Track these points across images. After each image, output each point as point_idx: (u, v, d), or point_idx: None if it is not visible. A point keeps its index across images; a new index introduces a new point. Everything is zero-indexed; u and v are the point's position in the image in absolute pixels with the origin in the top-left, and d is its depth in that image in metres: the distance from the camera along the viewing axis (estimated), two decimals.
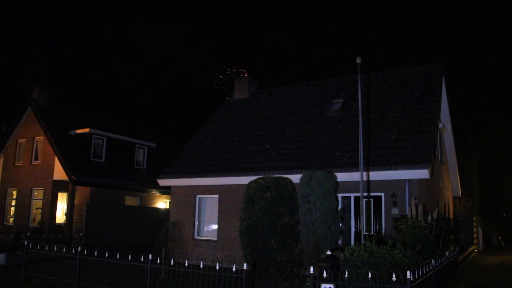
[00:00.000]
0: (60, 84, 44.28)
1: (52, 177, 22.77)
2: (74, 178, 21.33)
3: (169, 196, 21.45)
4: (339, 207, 13.95)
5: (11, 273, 13.03)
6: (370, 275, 7.39)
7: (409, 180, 13.40)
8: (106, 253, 10.88)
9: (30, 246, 12.67)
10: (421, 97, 16.34)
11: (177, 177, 17.89)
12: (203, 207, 17.71)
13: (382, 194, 13.89)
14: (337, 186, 13.32)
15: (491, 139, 34.47)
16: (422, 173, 13.01)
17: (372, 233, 13.53)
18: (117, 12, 59.82)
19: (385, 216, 13.70)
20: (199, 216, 17.67)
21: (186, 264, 9.70)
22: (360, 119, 11.15)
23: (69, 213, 21.72)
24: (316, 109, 18.27)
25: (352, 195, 14.36)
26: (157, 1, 60.65)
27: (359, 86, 11.45)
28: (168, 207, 24.77)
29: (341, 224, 13.31)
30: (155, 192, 26.05)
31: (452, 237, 13.24)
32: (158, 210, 23.32)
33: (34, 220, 23.34)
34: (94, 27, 57.59)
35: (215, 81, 45.94)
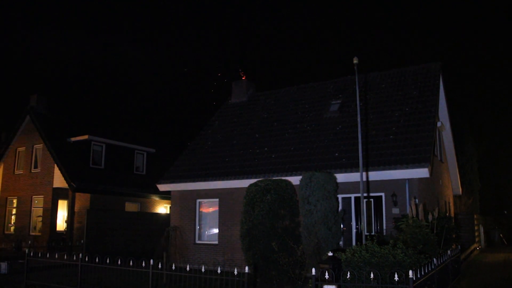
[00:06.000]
0: (58, 92, 44.29)
1: (52, 184, 22.76)
2: (74, 185, 21.32)
3: (169, 201, 21.44)
4: (340, 208, 13.94)
5: (13, 281, 12.99)
6: (372, 275, 7.38)
7: (409, 179, 13.40)
8: (107, 260, 10.86)
9: (31, 254, 12.64)
10: (419, 96, 16.36)
11: (176, 182, 17.87)
12: (203, 211, 17.70)
13: (383, 194, 13.89)
14: (337, 187, 13.30)
15: (490, 136, 34.44)
16: (422, 172, 13.01)
17: (373, 233, 13.51)
18: (115, 14, 59.94)
19: (385, 216, 13.69)
20: (199, 221, 17.65)
21: (188, 269, 9.69)
22: (359, 119, 11.16)
23: (69, 220, 21.70)
24: (314, 111, 18.28)
25: (352, 195, 14.35)
26: (153, 2, 60.74)
27: (357, 86, 11.47)
28: (168, 212, 24.75)
29: (342, 225, 13.29)
30: (155, 197, 26.03)
31: (454, 236, 13.22)
32: (158, 215, 23.30)
33: (35, 228, 23.32)
34: (92, 33, 57.69)
35: (212, 87, 46.04)
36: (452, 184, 21.84)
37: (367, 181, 13.76)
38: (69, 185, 21.56)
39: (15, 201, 24.70)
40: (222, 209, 16.81)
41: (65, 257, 12.24)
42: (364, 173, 13.33)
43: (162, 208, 26.89)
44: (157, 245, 18.58)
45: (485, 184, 32.11)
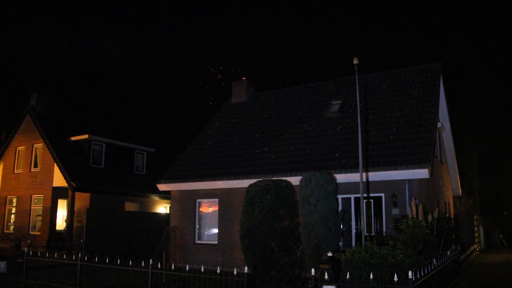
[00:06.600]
0: (58, 91, 44.31)
1: (52, 184, 22.76)
2: (74, 185, 21.31)
3: (169, 201, 21.44)
4: (340, 208, 13.93)
5: (12, 280, 12.99)
6: (371, 276, 7.38)
7: (409, 180, 13.38)
8: (107, 259, 10.85)
9: (31, 253, 12.64)
10: (419, 96, 16.35)
11: (176, 182, 17.87)
12: (203, 211, 17.69)
13: (382, 195, 13.88)
14: (337, 188, 13.28)
15: (490, 137, 34.44)
16: (422, 173, 13.00)
17: (372, 233, 13.50)
18: (116, 15, 59.96)
19: (385, 217, 13.68)
20: (199, 220, 17.64)
21: (187, 269, 9.68)
22: (359, 120, 11.15)
23: (69, 220, 21.70)
24: (315, 111, 18.27)
25: (352, 196, 14.34)
26: (153, 3, 60.78)
27: (357, 87, 11.46)
28: (168, 211, 24.75)
29: (341, 226, 13.29)
30: (155, 197, 26.02)
31: (453, 236, 13.21)
32: (158, 215, 23.30)
33: (34, 227, 23.32)
34: (93, 33, 57.70)
35: (211, 87, 46.22)
36: (452, 185, 21.83)
37: (367, 181, 13.75)
38: (69, 185, 21.55)
39: (14, 200, 24.69)
40: (222, 209, 16.80)
41: (65, 256, 12.23)
42: (364, 174, 13.32)
43: (162, 208, 26.88)
44: (156, 245, 18.57)
45: (485, 185, 32.11)
